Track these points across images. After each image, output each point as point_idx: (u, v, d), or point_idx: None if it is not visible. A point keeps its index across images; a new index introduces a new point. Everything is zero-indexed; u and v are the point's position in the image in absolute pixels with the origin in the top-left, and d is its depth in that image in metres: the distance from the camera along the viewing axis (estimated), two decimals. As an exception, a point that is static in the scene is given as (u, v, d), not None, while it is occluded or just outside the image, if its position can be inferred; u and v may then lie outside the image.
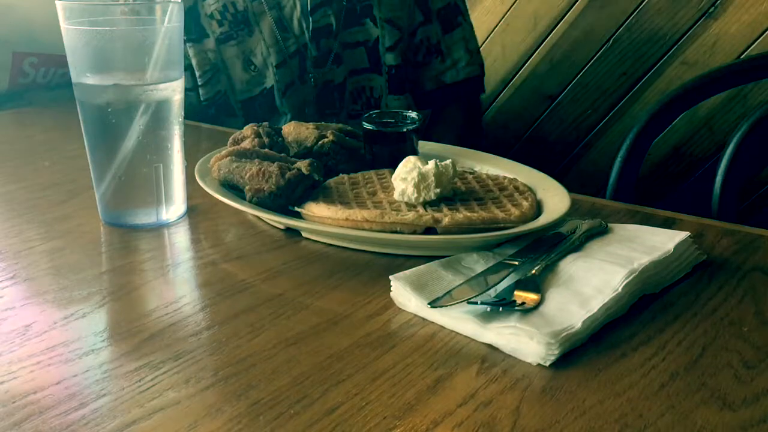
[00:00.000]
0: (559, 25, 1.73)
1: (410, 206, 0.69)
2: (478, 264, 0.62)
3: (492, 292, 0.56)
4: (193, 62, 1.22)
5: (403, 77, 1.34)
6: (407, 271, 0.59)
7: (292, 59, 1.23)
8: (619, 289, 0.55)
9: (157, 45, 0.68)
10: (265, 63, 1.23)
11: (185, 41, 1.20)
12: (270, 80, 1.23)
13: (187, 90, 1.22)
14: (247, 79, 1.24)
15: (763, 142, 1.17)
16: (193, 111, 1.23)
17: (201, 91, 1.24)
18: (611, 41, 1.68)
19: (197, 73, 1.23)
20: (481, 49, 1.62)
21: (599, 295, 0.55)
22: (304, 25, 1.23)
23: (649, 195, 1.68)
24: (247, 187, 0.71)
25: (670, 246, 0.62)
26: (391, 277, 0.58)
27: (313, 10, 1.23)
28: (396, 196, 0.70)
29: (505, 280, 0.58)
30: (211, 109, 1.25)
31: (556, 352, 0.49)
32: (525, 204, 0.70)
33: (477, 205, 0.70)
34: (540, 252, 0.62)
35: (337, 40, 1.25)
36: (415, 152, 0.82)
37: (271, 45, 1.22)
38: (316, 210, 0.69)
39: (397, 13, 1.30)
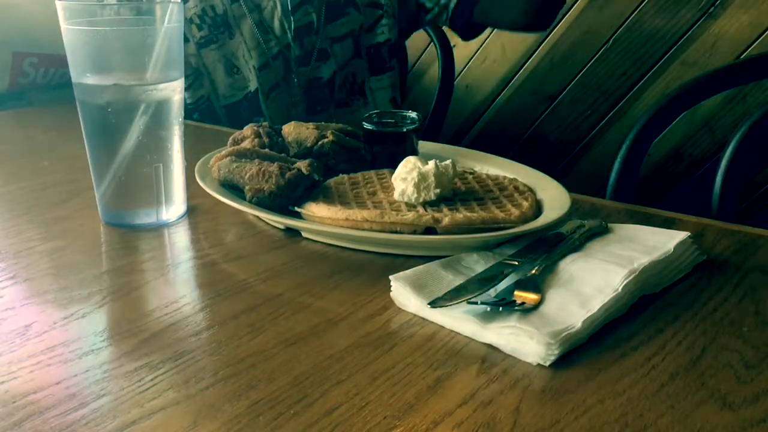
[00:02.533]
0: (559, 25, 1.73)
1: (410, 206, 0.69)
2: (478, 264, 0.62)
3: (492, 292, 0.56)
4: None
5: (385, 54, 1.32)
6: (407, 271, 0.59)
7: (275, 61, 1.22)
8: (619, 289, 0.55)
9: (157, 45, 0.68)
10: (247, 66, 1.22)
11: None
12: (253, 83, 1.23)
13: None
14: (230, 83, 1.23)
15: (763, 142, 1.17)
16: None
17: (185, 95, 1.23)
18: (611, 41, 1.68)
19: None
20: (480, 48, 1.62)
21: (599, 295, 0.55)
22: (286, 25, 1.22)
23: (649, 195, 1.68)
24: (247, 187, 0.71)
25: (670, 246, 0.62)
26: (391, 277, 0.58)
27: (294, 9, 1.22)
28: (396, 196, 0.70)
29: (505, 280, 0.58)
30: (195, 114, 1.25)
31: (556, 352, 0.49)
32: (525, 204, 0.70)
33: (477, 205, 0.70)
34: (540, 252, 0.62)
35: (320, 36, 1.24)
36: (415, 152, 0.82)
37: (253, 48, 1.21)
38: (316, 210, 0.69)
39: None
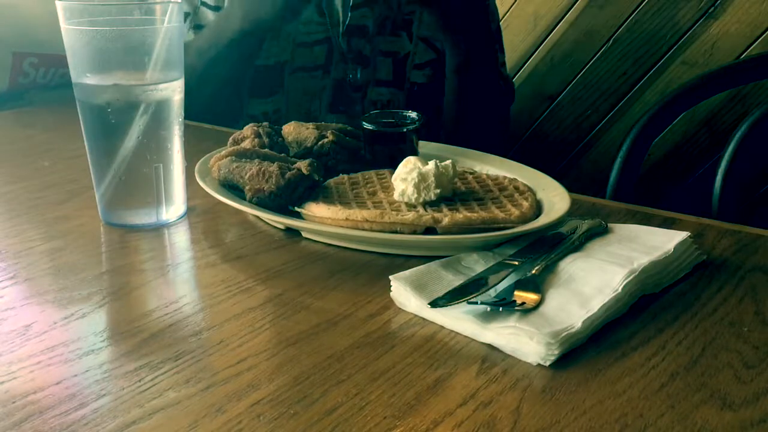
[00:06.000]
0: (559, 25, 1.73)
1: (410, 206, 0.69)
2: (478, 264, 0.62)
3: (492, 292, 0.56)
4: None
5: (426, 96, 1.31)
6: (407, 271, 0.59)
7: (317, 46, 1.21)
8: (619, 290, 0.55)
9: (157, 45, 0.68)
10: (288, 38, 1.21)
11: None
12: (285, 55, 1.22)
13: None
14: (267, 45, 1.21)
15: (763, 142, 1.17)
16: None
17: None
18: (611, 41, 1.68)
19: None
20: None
21: (599, 295, 0.55)
22: (341, 18, 1.22)
23: (649, 195, 1.68)
24: (247, 187, 0.71)
25: (670, 246, 0.62)
26: (391, 277, 0.58)
27: (354, 6, 1.22)
28: (396, 196, 0.70)
29: (505, 280, 0.58)
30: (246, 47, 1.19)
31: (556, 352, 0.49)
32: (525, 204, 0.70)
33: (477, 205, 0.70)
34: (540, 252, 0.62)
35: (372, 44, 1.24)
36: (415, 152, 0.82)
37: (303, 23, 1.20)
38: (316, 210, 0.69)
39: (435, 34, 1.29)
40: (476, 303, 0.53)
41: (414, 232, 0.66)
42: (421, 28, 1.28)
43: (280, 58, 1.22)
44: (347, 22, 1.22)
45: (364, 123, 0.83)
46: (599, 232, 0.67)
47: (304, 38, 1.21)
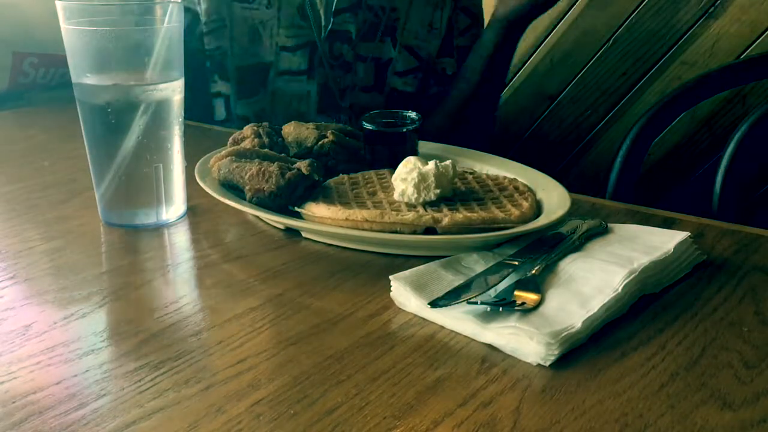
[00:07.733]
0: (559, 25, 1.73)
1: (410, 206, 0.69)
2: (478, 264, 0.62)
3: (492, 292, 0.56)
4: (201, 7, 1.19)
5: (405, 103, 1.31)
6: (407, 271, 0.59)
7: (300, 49, 1.21)
8: (619, 290, 0.55)
9: (157, 45, 0.68)
10: (270, 40, 1.21)
11: None
12: (269, 57, 1.22)
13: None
14: (247, 47, 1.21)
15: (763, 142, 1.17)
16: (194, 58, 1.19)
17: (205, 40, 1.21)
18: (611, 41, 1.68)
19: (203, 20, 1.19)
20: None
21: (599, 294, 0.55)
22: (324, 23, 1.22)
23: (649, 195, 1.68)
24: (247, 187, 0.71)
25: (670, 246, 0.62)
26: (391, 277, 0.58)
27: (337, 11, 1.22)
28: (396, 196, 0.70)
29: (505, 280, 0.58)
30: (208, 62, 1.23)
31: (556, 352, 0.49)
32: (525, 204, 0.70)
33: (477, 205, 0.70)
34: (540, 252, 0.62)
35: (355, 50, 1.24)
36: (415, 152, 0.82)
37: (285, 27, 1.20)
38: (316, 210, 0.69)
39: (419, 43, 1.29)
40: (476, 303, 0.53)
41: (414, 232, 0.66)
42: (404, 35, 1.27)
43: (263, 60, 1.22)
44: (329, 27, 1.22)
45: (364, 123, 0.83)
46: (599, 232, 0.67)
47: (287, 42, 1.21)
